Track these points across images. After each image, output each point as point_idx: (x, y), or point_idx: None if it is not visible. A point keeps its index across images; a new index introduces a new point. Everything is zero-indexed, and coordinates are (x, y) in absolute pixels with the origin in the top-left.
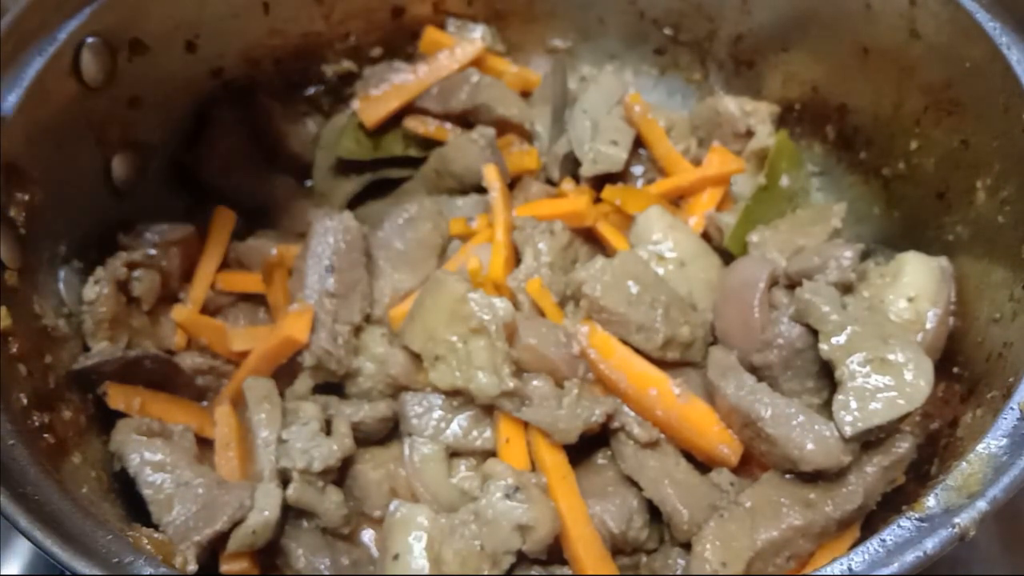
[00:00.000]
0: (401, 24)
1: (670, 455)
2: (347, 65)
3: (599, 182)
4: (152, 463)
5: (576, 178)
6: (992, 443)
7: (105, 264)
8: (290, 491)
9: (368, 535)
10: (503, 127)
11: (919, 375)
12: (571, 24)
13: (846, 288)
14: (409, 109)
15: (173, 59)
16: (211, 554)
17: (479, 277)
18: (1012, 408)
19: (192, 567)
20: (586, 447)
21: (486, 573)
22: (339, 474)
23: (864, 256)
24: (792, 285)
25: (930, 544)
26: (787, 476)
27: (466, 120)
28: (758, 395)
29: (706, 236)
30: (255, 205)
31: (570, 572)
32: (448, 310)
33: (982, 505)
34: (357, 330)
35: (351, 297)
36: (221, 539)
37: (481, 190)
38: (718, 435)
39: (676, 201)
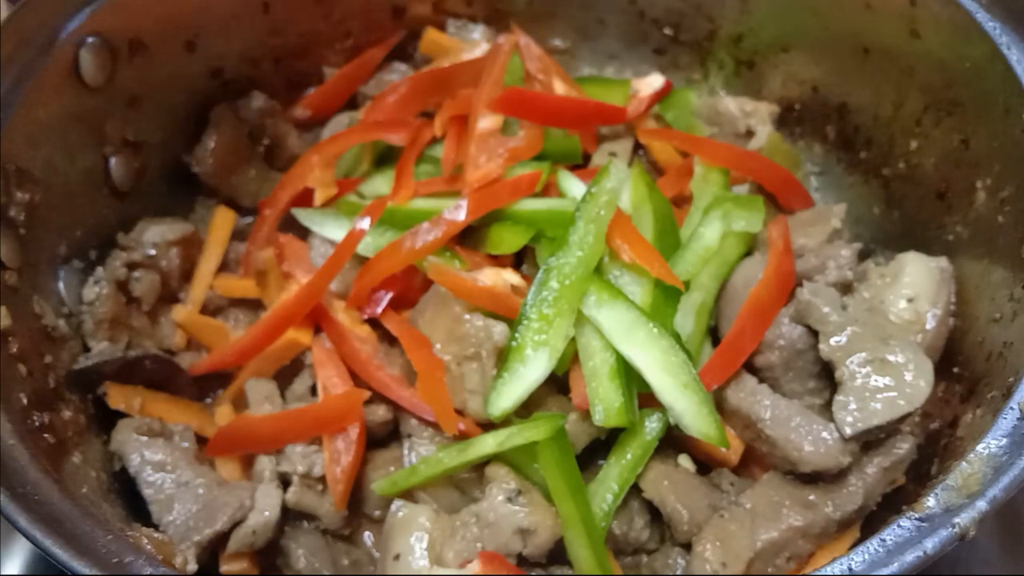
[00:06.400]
0: (401, 24)
1: (670, 455)
2: None
3: None
4: (152, 463)
5: None
6: (992, 443)
7: (105, 264)
8: (289, 495)
9: (368, 536)
10: None
11: (919, 375)
12: (571, 24)
13: (845, 288)
14: None
15: (173, 59)
16: (211, 554)
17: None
18: (1012, 408)
19: (192, 567)
20: (587, 447)
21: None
22: None
23: (864, 256)
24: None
25: (930, 544)
26: (787, 477)
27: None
28: (758, 396)
29: None
30: (255, 205)
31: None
32: (446, 329)
33: (982, 505)
34: None
35: None
36: (221, 539)
37: None
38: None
39: (676, 202)
